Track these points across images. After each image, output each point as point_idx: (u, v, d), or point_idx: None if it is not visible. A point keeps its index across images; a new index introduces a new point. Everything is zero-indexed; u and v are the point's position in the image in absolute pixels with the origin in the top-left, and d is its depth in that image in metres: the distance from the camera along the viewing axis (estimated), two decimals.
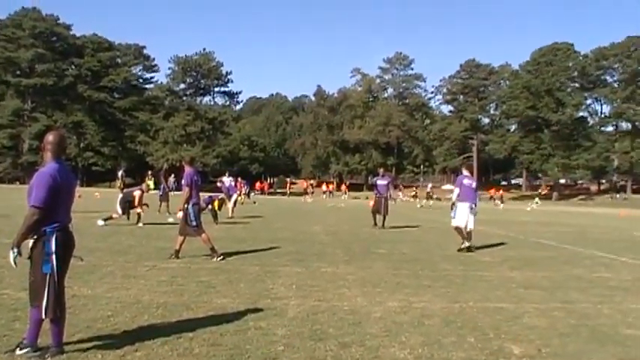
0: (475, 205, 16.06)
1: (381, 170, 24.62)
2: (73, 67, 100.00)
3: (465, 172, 17.10)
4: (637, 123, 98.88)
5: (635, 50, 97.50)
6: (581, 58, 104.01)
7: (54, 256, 5.21)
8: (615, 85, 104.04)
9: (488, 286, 10.17)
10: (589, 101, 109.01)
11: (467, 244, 15.55)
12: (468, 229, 15.71)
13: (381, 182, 22.70)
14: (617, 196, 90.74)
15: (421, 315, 7.65)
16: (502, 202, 64.27)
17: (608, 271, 12.62)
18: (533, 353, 6.15)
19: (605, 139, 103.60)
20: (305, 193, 70.46)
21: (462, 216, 15.76)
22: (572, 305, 8.71)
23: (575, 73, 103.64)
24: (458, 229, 15.85)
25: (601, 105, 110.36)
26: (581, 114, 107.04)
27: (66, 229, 5.44)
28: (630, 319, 7.97)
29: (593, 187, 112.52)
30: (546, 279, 11.15)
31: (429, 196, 57.83)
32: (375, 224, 22.15)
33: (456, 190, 16.26)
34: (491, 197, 68.09)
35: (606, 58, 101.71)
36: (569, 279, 11.28)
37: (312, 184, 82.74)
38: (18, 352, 5.30)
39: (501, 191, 74.51)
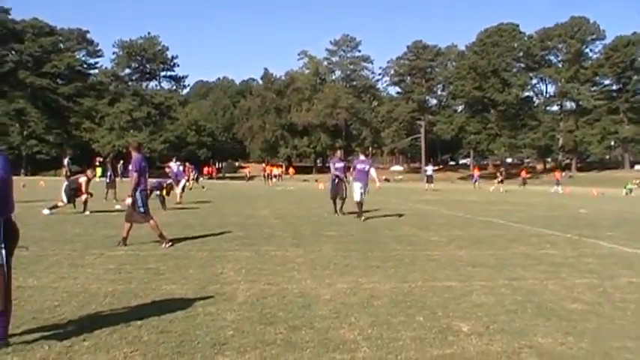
0: (367, 185, 19.65)
1: (339, 152, 24.38)
2: (14, 52, 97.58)
3: (361, 157, 20.77)
4: (581, 102, 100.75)
5: (579, 30, 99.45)
6: (526, 38, 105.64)
7: (3, 248, 5.10)
8: (560, 65, 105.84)
9: (437, 265, 10.27)
10: (534, 81, 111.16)
11: (364, 216, 19.00)
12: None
13: (339, 164, 21.62)
14: (563, 174, 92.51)
15: (370, 296, 7.69)
16: (525, 184, 61.86)
17: (553, 248, 12.83)
18: (480, 330, 6.23)
19: (551, 118, 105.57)
20: (270, 177, 69.36)
21: (357, 193, 19.23)
22: (518, 282, 8.85)
23: (521, 54, 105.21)
24: (358, 203, 19.25)
25: (546, 85, 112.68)
26: (526, 94, 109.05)
27: (10, 220, 5.33)
28: (575, 293, 8.13)
29: (539, 166, 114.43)
30: (493, 257, 11.30)
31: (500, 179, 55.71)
32: (336, 211, 20.77)
33: (354, 173, 19.81)
34: (523, 180, 63.74)
35: (550, 38, 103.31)
36: (516, 256, 11.45)
37: (276, 167, 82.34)
38: None
39: (524, 172, 70.88)
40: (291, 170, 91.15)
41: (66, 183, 19.83)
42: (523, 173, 69.34)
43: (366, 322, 6.40)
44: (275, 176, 73.66)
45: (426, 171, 57.14)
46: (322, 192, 24.61)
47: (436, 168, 50.47)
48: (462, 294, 7.94)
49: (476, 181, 60.42)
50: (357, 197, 19.26)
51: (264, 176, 69.96)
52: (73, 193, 19.27)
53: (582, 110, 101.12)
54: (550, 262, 10.79)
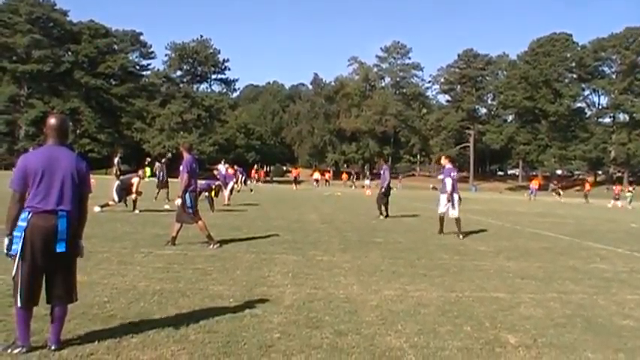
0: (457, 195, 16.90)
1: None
2: (70, 53, 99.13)
3: (449, 165, 17.17)
4: (634, 114, 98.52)
5: (634, 42, 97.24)
6: (579, 49, 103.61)
7: (21, 240, 5.04)
8: (613, 76, 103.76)
9: (485, 275, 10.18)
10: (587, 92, 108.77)
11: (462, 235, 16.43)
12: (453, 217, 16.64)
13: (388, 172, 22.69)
14: (613, 187, 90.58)
15: (417, 304, 7.65)
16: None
17: (604, 263, 12.63)
18: (528, 343, 6.15)
19: (603, 130, 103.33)
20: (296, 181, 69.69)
21: (442, 204, 16.88)
22: (567, 296, 8.72)
23: (573, 64, 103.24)
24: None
25: (599, 96, 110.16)
26: (578, 105, 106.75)
27: (40, 214, 5.07)
28: (626, 309, 7.98)
29: (590, 179, 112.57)
30: (542, 269, 11.16)
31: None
32: (381, 214, 22.15)
33: (449, 181, 16.59)
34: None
35: (604, 49, 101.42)
36: (565, 270, 11.29)
37: (319, 172, 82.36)
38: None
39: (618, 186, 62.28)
40: (344, 176, 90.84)
41: (117, 182, 20.05)
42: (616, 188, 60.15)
43: (413, 330, 6.37)
44: (316, 181, 73.97)
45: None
46: (370, 198, 24.56)
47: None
48: (510, 305, 7.85)
49: (532, 192, 58.54)
50: (441, 209, 17.10)
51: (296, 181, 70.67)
52: (125, 192, 19.56)
53: (636, 122, 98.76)
54: (600, 277, 10.62)
